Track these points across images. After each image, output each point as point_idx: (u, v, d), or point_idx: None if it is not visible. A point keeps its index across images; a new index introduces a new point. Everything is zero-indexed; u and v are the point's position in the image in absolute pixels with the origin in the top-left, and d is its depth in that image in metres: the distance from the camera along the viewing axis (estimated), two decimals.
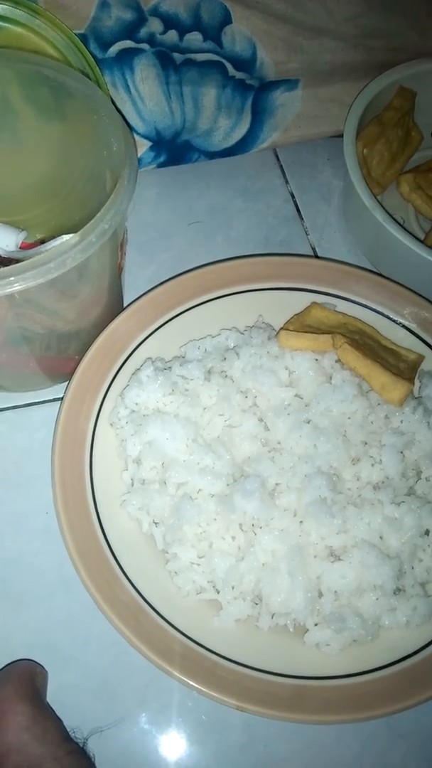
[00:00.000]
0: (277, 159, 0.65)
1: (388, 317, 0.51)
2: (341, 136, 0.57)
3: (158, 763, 0.42)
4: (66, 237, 0.39)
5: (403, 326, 0.51)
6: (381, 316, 0.51)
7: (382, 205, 0.53)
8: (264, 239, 0.61)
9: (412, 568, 0.42)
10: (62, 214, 0.52)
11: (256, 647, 0.41)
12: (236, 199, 0.63)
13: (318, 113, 0.63)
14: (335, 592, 0.41)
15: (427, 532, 0.42)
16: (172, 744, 0.43)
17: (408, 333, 0.50)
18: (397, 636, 0.41)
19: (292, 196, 0.64)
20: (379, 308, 0.51)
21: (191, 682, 0.39)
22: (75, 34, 0.51)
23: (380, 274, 0.53)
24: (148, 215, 0.62)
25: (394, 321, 0.51)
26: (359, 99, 0.58)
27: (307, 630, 0.41)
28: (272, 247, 0.61)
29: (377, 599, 0.40)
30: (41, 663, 0.43)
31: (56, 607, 0.45)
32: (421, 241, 0.53)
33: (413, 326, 0.50)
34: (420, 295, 0.51)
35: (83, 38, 0.55)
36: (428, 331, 0.50)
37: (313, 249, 0.61)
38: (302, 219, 0.62)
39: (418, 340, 0.50)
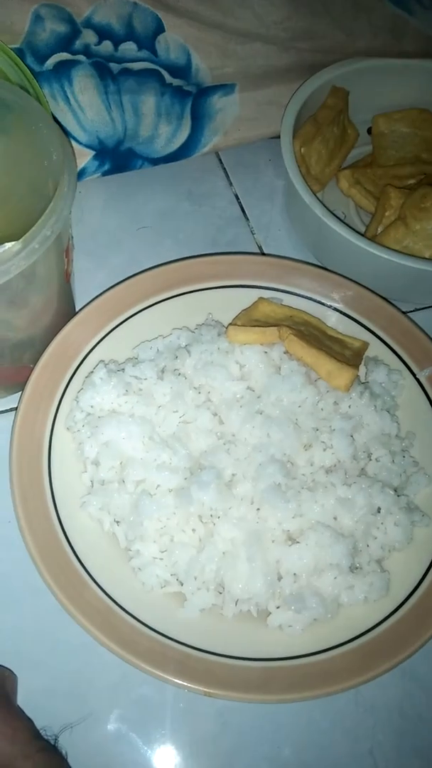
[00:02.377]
0: (220, 162, 0.67)
1: (331, 307, 0.53)
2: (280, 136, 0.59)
3: (132, 757, 0.43)
4: (8, 245, 0.39)
5: (347, 315, 0.52)
6: (325, 307, 0.53)
7: (321, 201, 0.55)
8: (212, 240, 0.63)
9: (368, 546, 0.44)
10: (8, 226, 0.52)
11: (223, 635, 0.42)
12: (183, 203, 0.64)
13: (256, 116, 0.65)
14: (294, 574, 0.42)
15: (378, 510, 0.44)
16: (146, 737, 0.43)
17: (351, 321, 0.52)
18: (357, 612, 0.42)
19: (237, 197, 0.65)
20: (322, 299, 0.53)
21: (162, 674, 0.40)
22: (11, 49, 0.51)
23: (323, 268, 0.55)
24: (96, 223, 0.62)
25: (340, 312, 0.53)
26: (294, 100, 0.60)
27: (270, 613, 0.42)
28: (220, 247, 0.62)
29: (335, 578, 0.42)
30: (10, 668, 0.43)
31: (23, 613, 0.46)
32: (362, 234, 0.55)
33: (355, 314, 0.52)
34: (362, 285, 0.53)
35: (20, 53, 0.55)
36: (369, 317, 0.52)
37: (260, 247, 0.62)
38: (247, 219, 0.64)
39: (361, 328, 0.52)
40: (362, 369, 0.51)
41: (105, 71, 0.58)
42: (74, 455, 0.47)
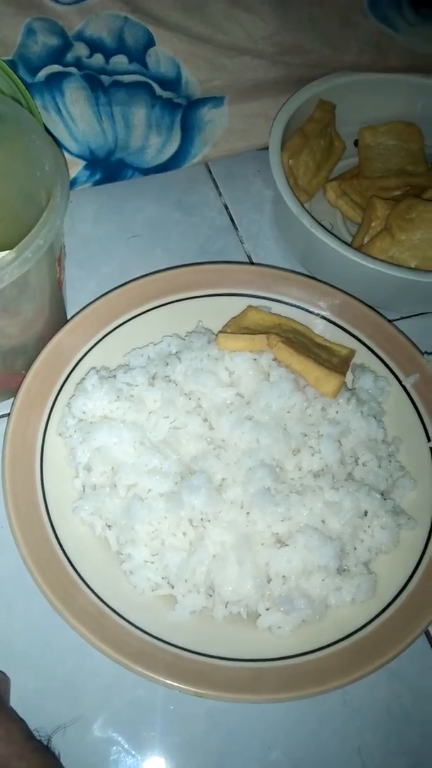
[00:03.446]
0: (210, 173, 0.68)
1: (318, 315, 0.54)
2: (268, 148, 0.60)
3: (124, 758, 0.43)
4: (2, 254, 0.40)
5: (334, 323, 0.54)
6: (312, 315, 0.54)
7: (309, 212, 0.56)
8: (201, 250, 0.64)
9: (355, 548, 0.44)
10: (1, 235, 0.53)
11: (213, 636, 0.43)
12: (173, 213, 0.65)
13: (245, 127, 0.66)
14: (283, 576, 0.43)
15: (365, 513, 0.45)
16: (137, 738, 0.44)
17: (338, 329, 0.53)
18: (344, 613, 0.43)
19: (226, 207, 0.66)
20: (310, 308, 0.54)
21: (153, 675, 0.40)
22: (3, 61, 0.52)
23: (311, 277, 0.56)
24: (87, 232, 0.63)
25: (327, 320, 0.54)
26: (281, 113, 0.61)
27: (259, 615, 0.43)
28: (209, 256, 0.63)
29: (323, 580, 0.43)
30: (3, 670, 0.43)
31: (16, 616, 0.46)
32: (348, 244, 0.56)
33: (342, 322, 0.53)
34: (349, 294, 0.54)
35: (12, 64, 0.56)
36: (355, 325, 0.53)
37: (248, 257, 0.64)
38: (236, 229, 0.65)
39: (348, 336, 0.53)
40: (349, 376, 0.52)
41: (96, 83, 0.59)
42: (66, 461, 0.47)
